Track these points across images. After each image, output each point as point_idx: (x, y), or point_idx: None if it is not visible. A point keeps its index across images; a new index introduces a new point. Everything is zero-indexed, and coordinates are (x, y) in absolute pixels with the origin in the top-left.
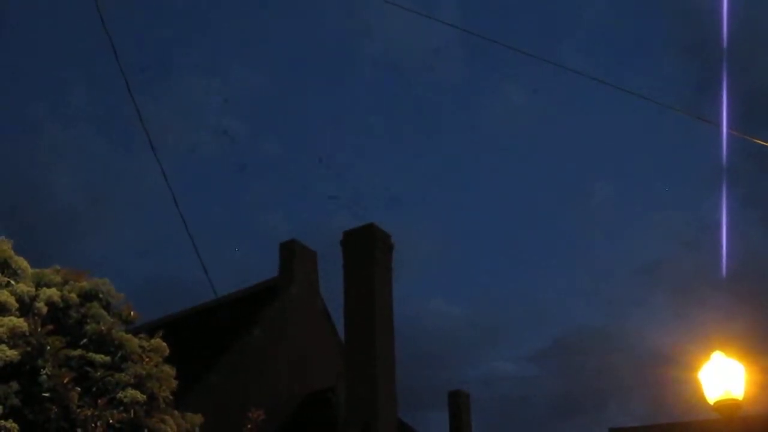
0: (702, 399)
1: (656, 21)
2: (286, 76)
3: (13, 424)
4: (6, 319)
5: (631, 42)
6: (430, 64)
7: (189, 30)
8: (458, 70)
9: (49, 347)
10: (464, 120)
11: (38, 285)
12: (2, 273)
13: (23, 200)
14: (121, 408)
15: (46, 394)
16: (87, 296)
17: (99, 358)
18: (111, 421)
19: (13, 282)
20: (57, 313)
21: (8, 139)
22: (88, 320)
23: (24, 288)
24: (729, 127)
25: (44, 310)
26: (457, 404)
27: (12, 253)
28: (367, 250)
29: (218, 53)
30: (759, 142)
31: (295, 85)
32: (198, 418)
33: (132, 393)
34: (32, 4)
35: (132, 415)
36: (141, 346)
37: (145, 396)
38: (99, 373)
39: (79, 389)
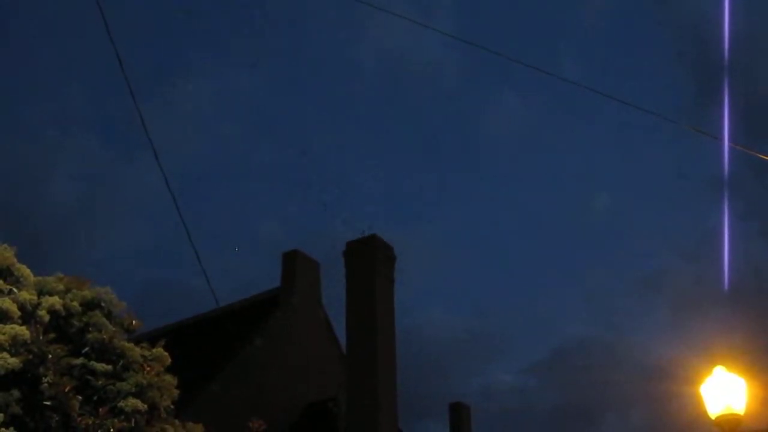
0: (703, 413)
1: (656, 30)
2: (284, 83)
3: None
4: (8, 327)
5: (631, 51)
6: (428, 73)
7: (188, 35)
8: (456, 79)
9: (50, 355)
10: (463, 129)
11: (40, 293)
12: (5, 281)
13: (24, 206)
14: (122, 417)
15: (48, 403)
16: (89, 305)
17: (100, 366)
18: (112, 429)
19: (15, 290)
20: (59, 322)
21: (8, 143)
22: (90, 329)
23: (26, 296)
24: (730, 140)
25: (46, 318)
26: (458, 416)
27: (15, 260)
28: (369, 262)
29: (218, 58)
30: (760, 156)
31: (295, 92)
32: (199, 428)
33: (133, 402)
34: (32, 7)
35: (133, 424)
36: (142, 355)
37: (146, 405)
38: (100, 382)
39: (80, 398)
